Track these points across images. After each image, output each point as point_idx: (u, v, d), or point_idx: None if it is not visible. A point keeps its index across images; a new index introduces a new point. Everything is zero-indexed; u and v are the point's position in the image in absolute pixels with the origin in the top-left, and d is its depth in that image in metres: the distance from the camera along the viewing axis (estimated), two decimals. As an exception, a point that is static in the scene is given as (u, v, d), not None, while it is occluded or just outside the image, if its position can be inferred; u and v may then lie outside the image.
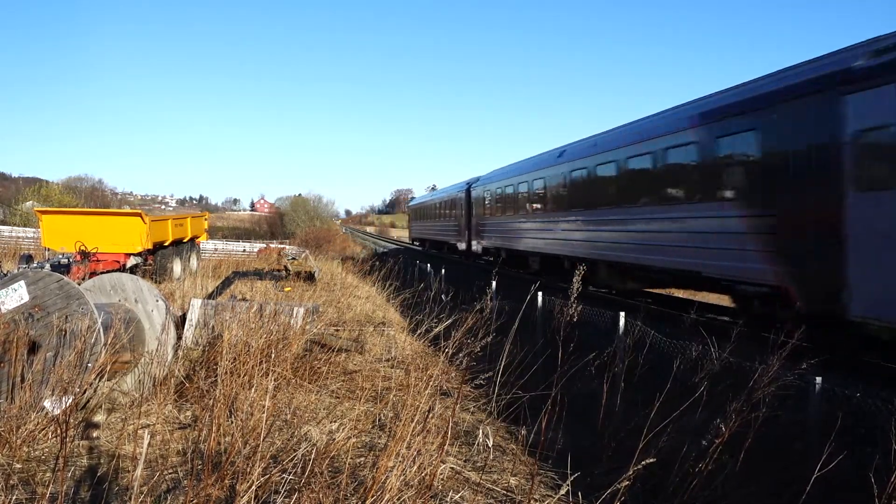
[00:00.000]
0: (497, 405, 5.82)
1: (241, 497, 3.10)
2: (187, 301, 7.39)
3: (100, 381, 5.13)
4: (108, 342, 5.12)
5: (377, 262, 19.03)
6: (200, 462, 3.84)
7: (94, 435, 4.76)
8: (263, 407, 3.97)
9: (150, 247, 16.16)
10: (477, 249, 25.79)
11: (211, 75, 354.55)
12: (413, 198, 61.62)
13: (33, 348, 5.11)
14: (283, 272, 13.27)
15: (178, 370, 5.93)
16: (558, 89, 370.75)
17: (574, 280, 5.51)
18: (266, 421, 3.84)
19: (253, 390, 4.56)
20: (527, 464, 4.70)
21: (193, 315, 6.66)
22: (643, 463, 3.13)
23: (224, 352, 5.25)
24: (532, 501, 3.98)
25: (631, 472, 3.12)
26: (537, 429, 4.77)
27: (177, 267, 17.75)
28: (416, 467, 3.44)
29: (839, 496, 4.13)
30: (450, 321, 8.99)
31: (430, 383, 4.47)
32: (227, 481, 3.40)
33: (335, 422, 4.92)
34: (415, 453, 3.49)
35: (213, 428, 3.81)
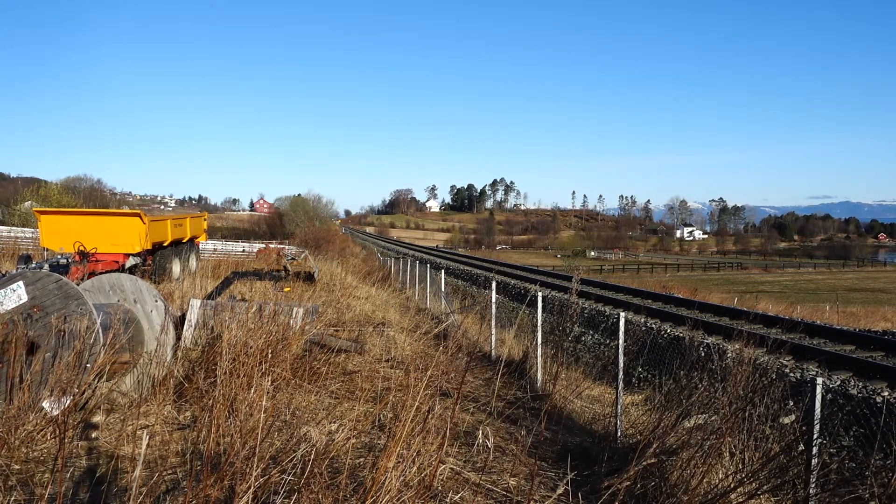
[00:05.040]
0: (497, 405, 5.81)
1: (241, 498, 3.08)
2: (186, 301, 7.37)
3: (98, 381, 5.11)
4: (107, 343, 5.10)
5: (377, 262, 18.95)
6: (199, 463, 3.83)
7: (93, 436, 4.75)
8: (262, 407, 3.96)
9: (149, 247, 16.13)
10: None
11: (211, 76, 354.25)
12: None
13: (32, 349, 5.09)
14: (283, 272, 13.27)
15: (178, 371, 5.91)
16: (558, 90, 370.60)
17: (574, 279, 5.52)
18: (265, 421, 3.83)
19: (252, 391, 4.54)
20: (527, 464, 4.69)
21: (192, 315, 6.64)
22: (644, 463, 3.12)
23: (223, 352, 5.24)
24: (532, 502, 3.97)
25: (631, 472, 3.12)
26: (537, 429, 4.76)
27: (176, 267, 17.71)
28: (415, 468, 3.43)
29: (839, 497, 4.12)
30: (450, 321, 8.98)
31: (430, 383, 4.46)
32: (226, 482, 3.38)
33: (335, 422, 4.90)
34: (414, 454, 3.48)
35: (213, 428, 3.80)
